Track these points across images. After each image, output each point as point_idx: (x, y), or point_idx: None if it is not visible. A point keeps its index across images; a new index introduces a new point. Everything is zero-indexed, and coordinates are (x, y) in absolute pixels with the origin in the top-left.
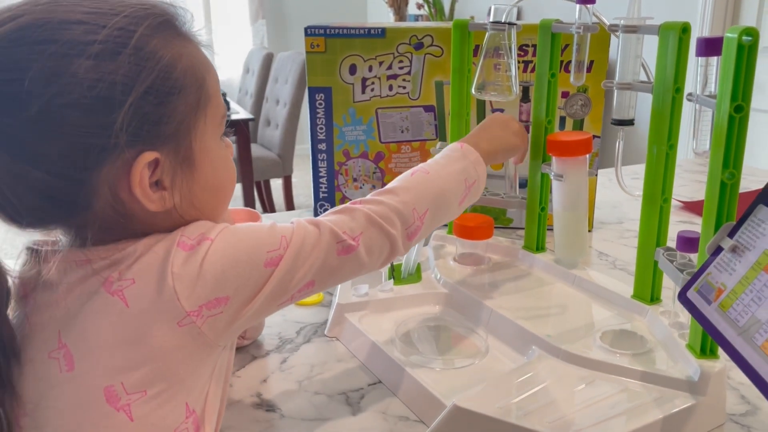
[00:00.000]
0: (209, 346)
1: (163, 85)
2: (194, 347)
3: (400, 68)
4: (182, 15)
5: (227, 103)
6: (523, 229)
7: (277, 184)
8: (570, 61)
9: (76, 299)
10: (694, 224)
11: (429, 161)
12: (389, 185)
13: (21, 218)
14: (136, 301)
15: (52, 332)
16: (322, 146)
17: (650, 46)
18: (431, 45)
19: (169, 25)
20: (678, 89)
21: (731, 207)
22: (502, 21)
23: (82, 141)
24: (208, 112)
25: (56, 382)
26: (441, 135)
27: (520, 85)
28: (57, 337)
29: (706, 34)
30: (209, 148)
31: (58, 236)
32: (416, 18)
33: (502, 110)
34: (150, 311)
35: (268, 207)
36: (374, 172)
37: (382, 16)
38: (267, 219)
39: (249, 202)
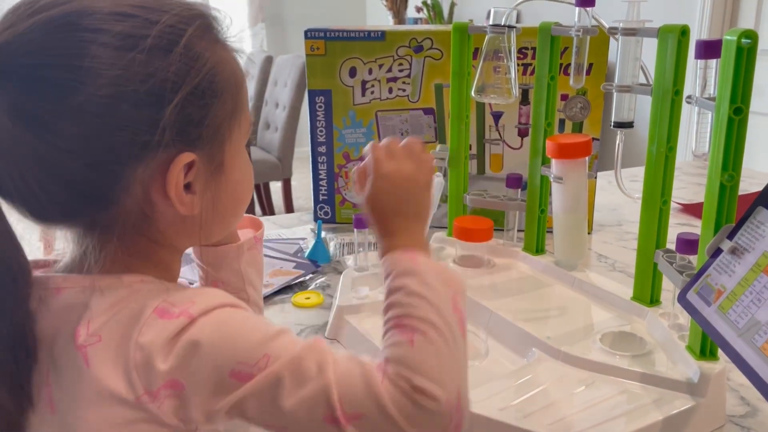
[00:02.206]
0: (167, 426)
1: (208, 87)
2: (148, 428)
3: (400, 71)
4: (222, 20)
5: None
6: (522, 231)
7: (276, 187)
8: (569, 64)
9: (61, 335)
10: (693, 226)
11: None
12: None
13: (45, 212)
14: (95, 363)
15: (45, 361)
16: (322, 149)
17: (649, 48)
18: (431, 48)
19: (212, 29)
20: (677, 92)
21: (731, 209)
22: (502, 24)
23: (127, 135)
24: (241, 120)
25: (45, 418)
26: (441, 138)
27: (519, 88)
28: (47, 372)
29: (704, 36)
30: (238, 156)
31: (61, 255)
32: (415, 21)
33: (502, 113)
34: (105, 379)
35: (268, 210)
36: None
37: (381, 20)
38: (267, 222)
39: (248, 204)
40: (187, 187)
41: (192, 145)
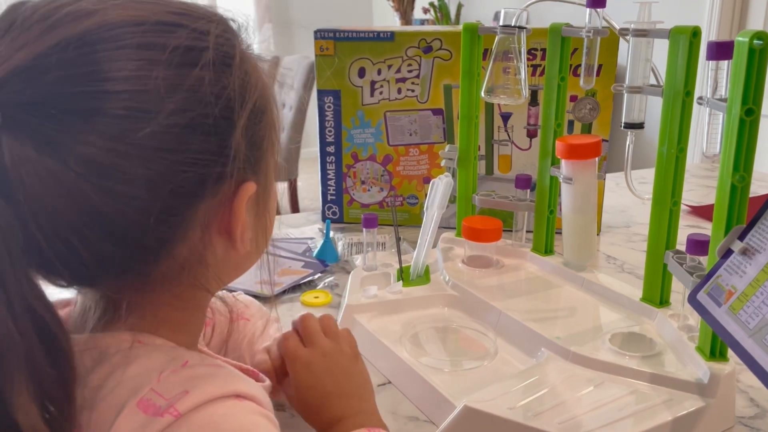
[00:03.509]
0: None
1: (262, 102)
2: None
3: (409, 71)
4: (246, 25)
5: None
6: (531, 232)
7: (282, 188)
8: (579, 65)
9: None
10: (702, 228)
11: None
12: None
13: (80, 270)
14: None
15: None
16: (331, 149)
17: (659, 50)
18: (440, 48)
19: (242, 38)
20: (688, 93)
21: (741, 210)
22: (512, 25)
23: (197, 170)
24: (277, 139)
25: None
26: (449, 138)
27: (529, 89)
28: None
29: (713, 37)
30: (273, 182)
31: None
32: (422, 22)
33: (511, 113)
34: None
35: None
36: (382, 175)
37: (388, 21)
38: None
39: None
40: None
41: (253, 172)
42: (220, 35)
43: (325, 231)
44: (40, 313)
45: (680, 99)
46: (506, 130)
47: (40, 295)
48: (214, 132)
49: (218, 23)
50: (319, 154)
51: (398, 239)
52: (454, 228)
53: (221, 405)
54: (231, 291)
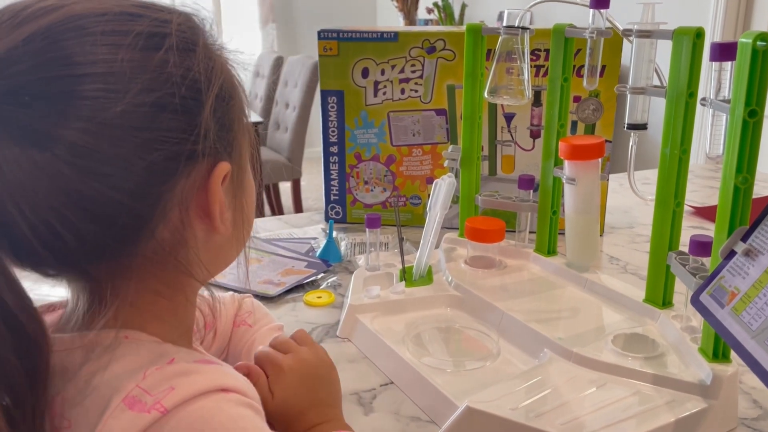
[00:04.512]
0: None
1: (228, 87)
2: None
3: (413, 72)
4: (211, 21)
5: None
6: (534, 232)
7: (285, 187)
8: (582, 66)
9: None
10: (706, 230)
11: None
12: None
13: (67, 257)
14: None
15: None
16: (334, 149)
17: (663, 50)
18: (443, 49)
19: (207, 31)
20: (691, 94)
21: (744, 211)
22: (516, 25)
23: (168, 147)
24: (248, 126)
25: None
26: (452, 138)
27: (532, 89)
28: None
29: (717, 39)
30: (247, 166)
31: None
32: (426, 22)
33: (514, 114)
34: None
35: (277, 210)
36: (385, 175)
37: (392, 21)
38: (278, 221)
39: (258, 205)
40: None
41: (227, 153)
42: (182, 24)
43: (328, 231)
44: (6, 300)
45: (683, 100)
46: (509, 131)
47: (11, 283)
48: (182, 110)
49: (179, 15)
50: (322, 154)
51: (401, 239)
52: (457, 228)
53: (208, 399)
54: (239, 292)
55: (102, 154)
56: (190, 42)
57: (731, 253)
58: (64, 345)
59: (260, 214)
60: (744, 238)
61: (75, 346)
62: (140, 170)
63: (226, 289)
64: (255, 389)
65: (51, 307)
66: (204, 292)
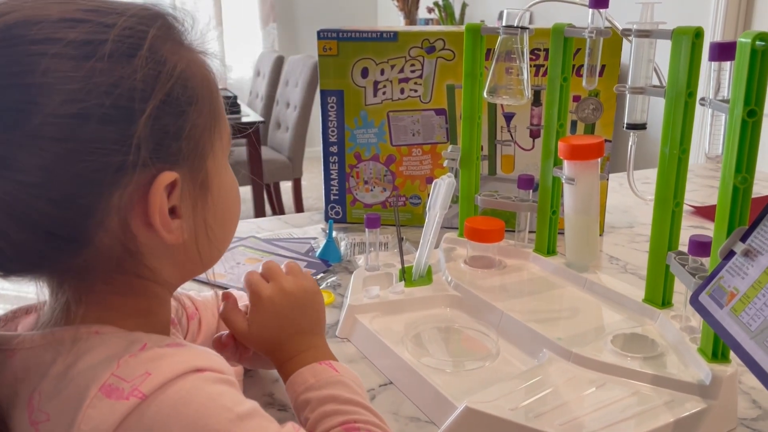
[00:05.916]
0: None
1: (182, 93)
2: None
3: (412, 72)
4: (183, 19)
5: (238, 105)
6: (534, 232)
7: (286, 187)
8: (582, 65)
9: (18, 403)
10: (705, 229)
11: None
12: None
13: (8, 264)
14: None
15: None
16: (334, 149)
17: (662, 50)
18: (443, 49)
19: (175, 30)
20: (691, 94)
21: (744, 211)
22: (515, 25)
23: (96, 158)
24: (221, 130)
25: None
26: (452, 138)
27: (531, 89)
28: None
29: (717, 38)
30: (222, 172)
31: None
32: (426, 22)
33: (513, 114)
34: None
35: (278, 209)
36: (385, 175)
37: (393, 20)
38: (278, 221)
39: (259, 204)
40: (172, 211)
41: (172, 162)
42: (129, 27)
43: (328, 231)
44: None
45: (683, 100)
46: (509, 131)
47: None
48: (110, 121)
49: (131, 17)
50: (322, 154)
51: (401, 239)
52: (457, 228)
53: (184, 381)
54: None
55: (23, 163)
56: (133, 47)
57: (730, 253)
58: (34, 342)
59: (261, 213)
60: (743, 238)
61: (46, 342)
62: (65, 180)
63: (227, 288)
64: (228, 364)
65: (27, 311)
66: (207, 292)
